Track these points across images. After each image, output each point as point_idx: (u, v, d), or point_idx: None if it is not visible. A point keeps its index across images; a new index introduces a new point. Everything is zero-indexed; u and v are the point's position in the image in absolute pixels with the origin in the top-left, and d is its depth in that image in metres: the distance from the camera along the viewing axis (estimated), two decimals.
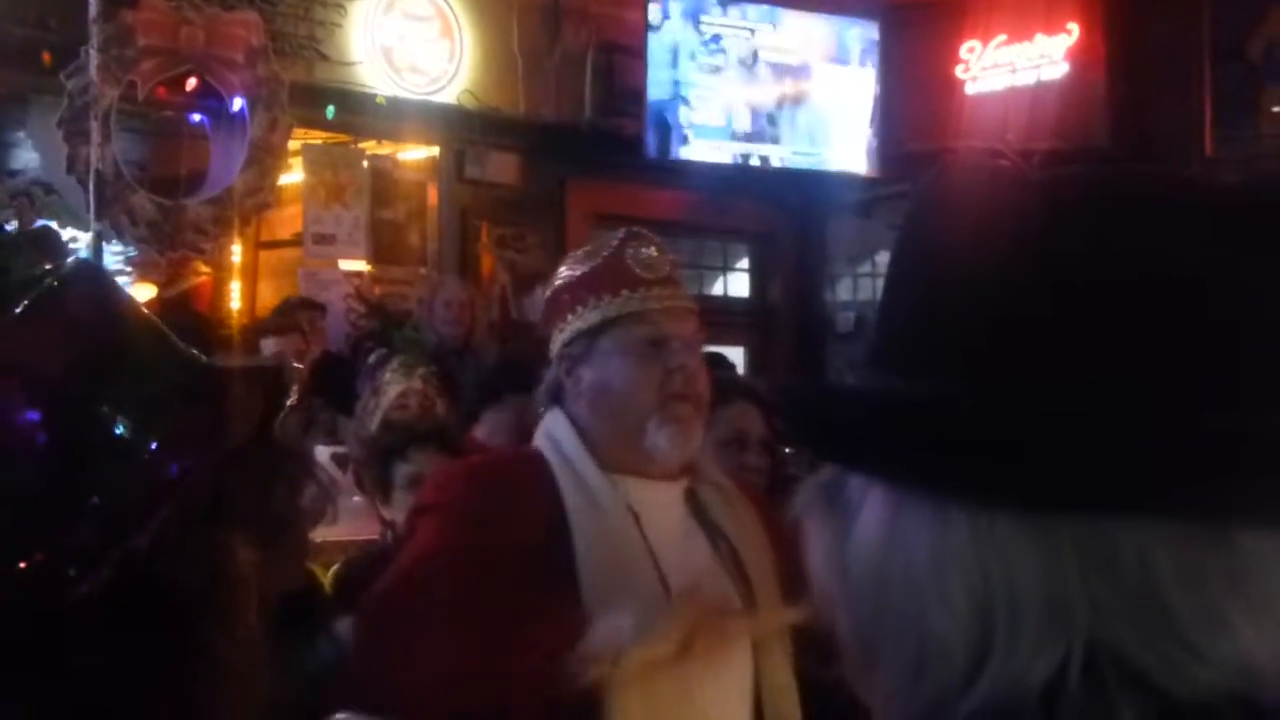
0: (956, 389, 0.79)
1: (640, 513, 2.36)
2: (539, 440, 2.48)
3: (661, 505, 2.41)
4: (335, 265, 8.28)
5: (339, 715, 1.99)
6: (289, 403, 1.19)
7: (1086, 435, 0.74)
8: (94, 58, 6.82)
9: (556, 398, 2.48)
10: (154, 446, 1.06)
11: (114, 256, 7.44)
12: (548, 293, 2.56)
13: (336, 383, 6.15)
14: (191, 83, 7.40)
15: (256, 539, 1.13)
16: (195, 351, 1.18)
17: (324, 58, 8.06)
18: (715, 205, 9.60)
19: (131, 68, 7.02)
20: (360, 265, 8.34)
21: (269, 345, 6.06)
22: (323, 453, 3.95)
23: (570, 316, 2.44)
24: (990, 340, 0.79)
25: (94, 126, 6.77)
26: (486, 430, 4.57)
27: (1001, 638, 0.76)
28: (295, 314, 7.15)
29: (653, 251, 2.49)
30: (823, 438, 0.88)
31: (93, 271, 1.58)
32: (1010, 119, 9.24)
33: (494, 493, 2.38)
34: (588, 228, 9.28)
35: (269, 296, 8.61)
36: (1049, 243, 0.79)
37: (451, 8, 8.58)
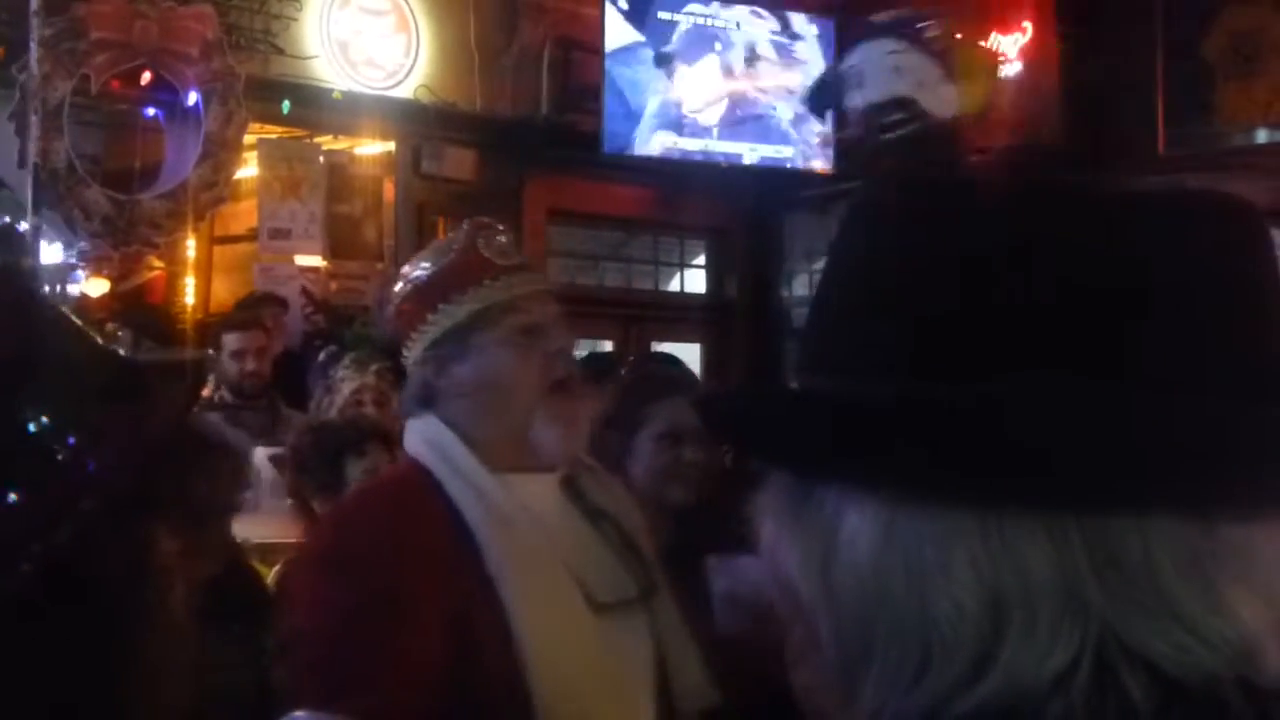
0: (940, 391, 0.80)
1: (532, 509, 2.32)
2: (415, 448, 2.40)
3: (546, 498, 2.38)
4: (291, 260, 8.26)
5: (296, 714, 1.99)
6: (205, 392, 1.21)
7: (1093, 432, 0.76)
8: (34, 51, 6.76)
9: (426, 402, 2.41)
10: (72, 442, 1.07)
11: (54, 251, 7.38)
12: (396, 299, 2.48)
13: (290, 381, 6.14)
14: (146, 76, 7.35)
15: (178, 529, 1.14)
16: (113, 348, 1.19)
17: (279, 52, 8.03)
18: (672, 201, 9.62)
19: (84, 61, 6.98)
20: (316, 260, 8.32)
21: (231, 340, 6.03)
22: (261, 454, 3.93)
23: (432, 316, 2.37)
24: (976, 338, 0.80)
25: (33, 121, 6.72)
26: None
27: (1016, 632, 0.77)
28: (259, 309, 7.12)
29: (504, 239, 2.46)
30: (791, 452, 0.88)
31: (7, 270, 1.59)
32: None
33: (382, 529, 2.28)
34: (544, 223, 9.29)
35: (224, 291, 8.57)
36: (1019, 239, 0.81)
37: (408, 2, 8.56)
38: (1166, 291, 0.79)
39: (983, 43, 5.05)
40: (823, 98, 5.08)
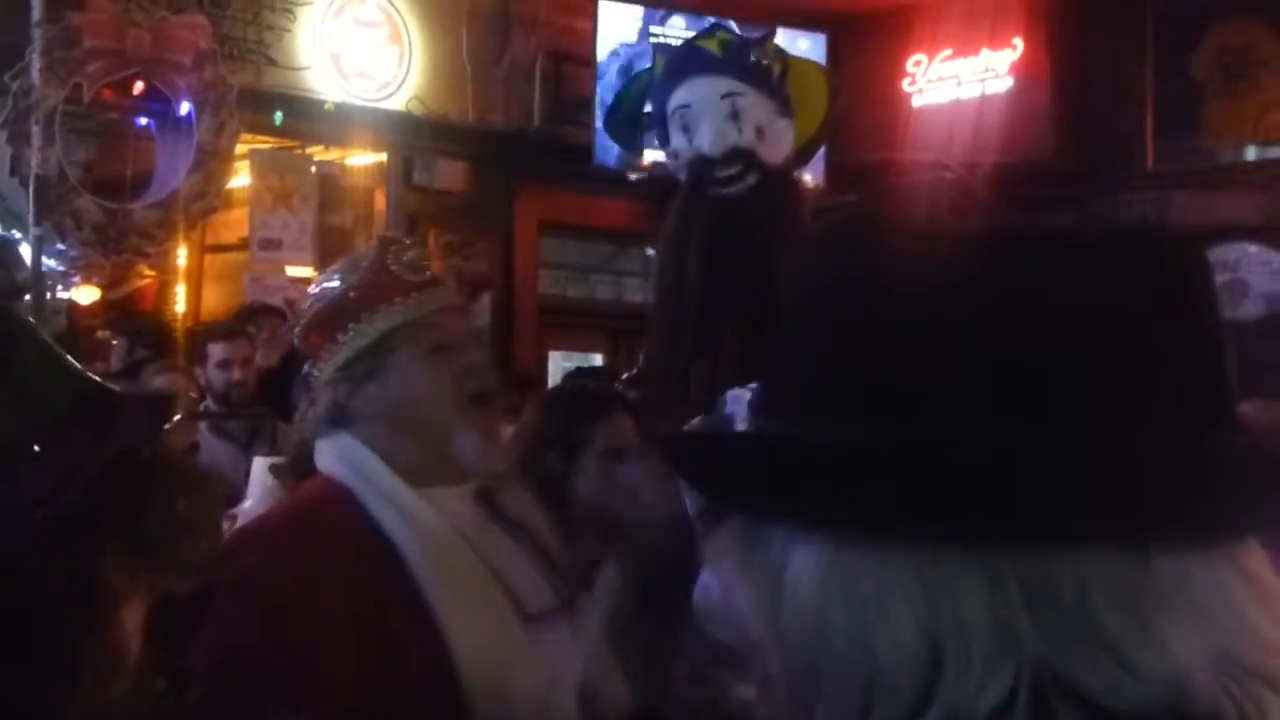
0: (881, 434, 0.81)
1: (456, 525, 2.29)
2: (332, 468, 2.34)
3: (465, 512, 2.35)
4: (282, 270, 8.25)
5: None
6: (170, 427, 1.21)
7: (1022, 471, 0.78)
8: (36, 61, 6.78)
9: (338, 422, 2.35)
10: (30, 459, 1.09)
11: (51, 261, 7.38)
12: (305, 318, 2.44)
13: (277, 393, 6.12)
14: (138, 86, 7.35)
15: (131, 552, 1.14)
16: (87, 372, 1.20)
17: (272, 62, 8.05)
18: (664, 214, 9.61)
19: (77, 70, 6.98)
20: (307, 271, 8.32)
21: (217, 350, 6.00)
22: (261, 464, 3.92)
23: (342, 337, 2.33)
24: (914, 382, 0.81)
25: (35, 131, 6.73)
26: None
27: (951, 668, 0.78)
28: (249, 320, 7.10)
29: (413, 254, 2.42)
30: (738, 492, 0.89)
31: None
32: (955, 132, 9.32)
33: (297, 550, 2.20)
34: (536, 235, 9.30)
35: (214, 300, 8.57)
36: (952, 282, 0.82)
37: (400, 14, 8.58)
38: (1095, 327, 0.80)
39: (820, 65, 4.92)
40: (630, 127, 4.78)
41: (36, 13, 6.79)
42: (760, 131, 4.22)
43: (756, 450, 0.90)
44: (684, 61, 4.40)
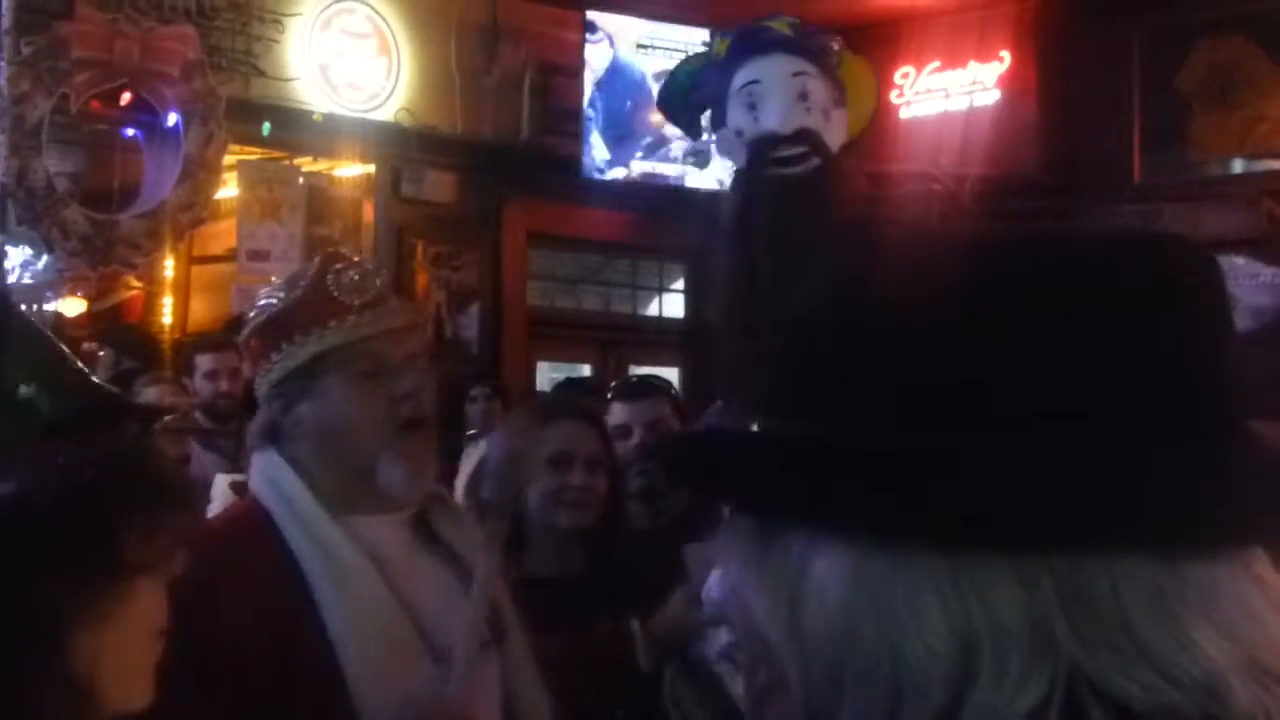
0: (908, 439, 0.80)
1: (378, 555, 2.24)
2: (257, 488, 2.32)
3: (395, 541, 2.31)
4: (269, 281, 8.18)
5: None
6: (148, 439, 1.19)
7: (1061, 475, 0.77)
8: (4, 70, 6.75)
9: (272, 439, 2.32)
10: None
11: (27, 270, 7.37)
12: (247, 329, 2.41)
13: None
14: (126, 96, 7.34)
15: (99, 572, 1.12)
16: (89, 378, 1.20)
17: (261, 73, 8.04)
18: (651, 225, 9.63)
19: (65, 80, 6.97)
20: None
21: (204, 361, 5.98)
22: (222, 480, 3.88)
23: (275, 355, 2.29)
24: (938, 384, 0.81)
25: (0, 140, 6.70)
26: None
27: (987, 673, 0.77)
28: (237, 331, 7.05)
29: (355, 275, 2.34)
30: (755, 498, 0.88)
31: None
32: (943, 144, 9.34)
33: (200, 576, 2.20)
34: (524, 246, 9.30)
35: (201, 312, 8.55)
36: (982, 290, 0.81)
37: (389, 25, 8.58)
38: (1128, 336, 0.80)
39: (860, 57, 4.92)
40: (686, 104, 4.64)
41: (6, 21, 6.77)
42: (826, 115, 4.17)
43: (773, 453, 0.88)
44: (753, 39, 4.34)
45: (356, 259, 2.44)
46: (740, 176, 4.20)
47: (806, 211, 3.99)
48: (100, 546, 1.11)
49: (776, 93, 4.11)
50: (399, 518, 2.33)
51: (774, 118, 4.08)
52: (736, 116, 4.18)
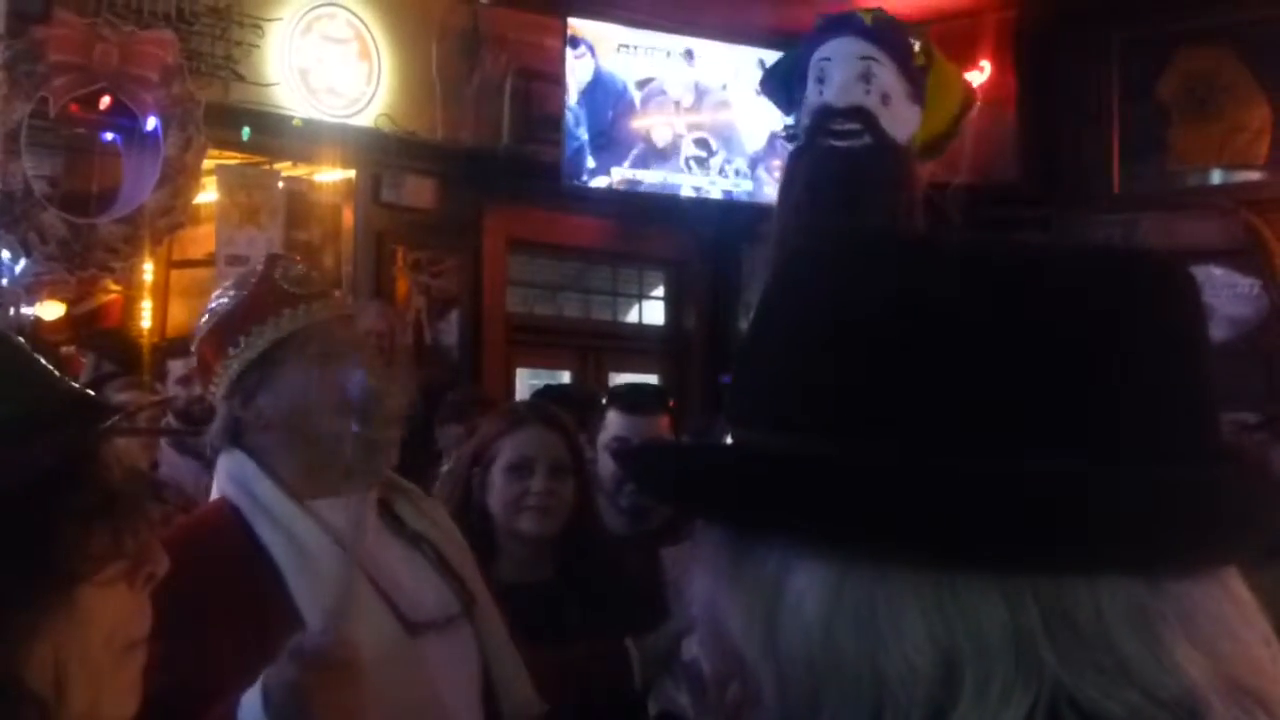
0: (892, 454, 0.79)
1: (339, 536, 2.30)
2: (223, 487, 2.39)
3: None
4: None
5: None
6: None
7: (1044, 495, 0.77)
8: None
9: (233, 437, 2.41)
10: None
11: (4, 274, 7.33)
12: (199, 334, 2.48)
13: None
14: (105, 101, 7.31)
15: (48, 580, 1.11)
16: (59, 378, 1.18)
17: (240, 78, 8.01)
18: (631, 232, 9.64)
19: (43, 84, 6.93)
20: None
21: (178, 366, 5.98)
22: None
23: (233, 350, 2.38)
24: (930, 402, 0.80)
25: None
26: None
27: (969, 690, 0.77)
28: None
29: (301, 269, 2.50)
30: (731, 510, 0.86)
31: None
32: None
33: (176, 569, 2.21)
34: (504, 253, 9.29)
35: (180, 316, 8.51)
36: (969, 300, 0.81)
37: (370, 31, 8.56)
38: (1110, 357, 0.80)
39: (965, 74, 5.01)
40: (784, 83, 4.89)
41: None
42: (886, 99, 4.37)
43: (750, 465, 0.86)
44: (835, 22, 4.62)
45: (298, 258, 2.57)
46: (793, 153, 4.46)
47: (847, 188, 4.16)
48: (28, 554, 1.08)
49: (841, 69, 4.39)
50: (364, 499, 2.37)
51: (832, 91, 4.35)
52: (809, 90, 4.46)
